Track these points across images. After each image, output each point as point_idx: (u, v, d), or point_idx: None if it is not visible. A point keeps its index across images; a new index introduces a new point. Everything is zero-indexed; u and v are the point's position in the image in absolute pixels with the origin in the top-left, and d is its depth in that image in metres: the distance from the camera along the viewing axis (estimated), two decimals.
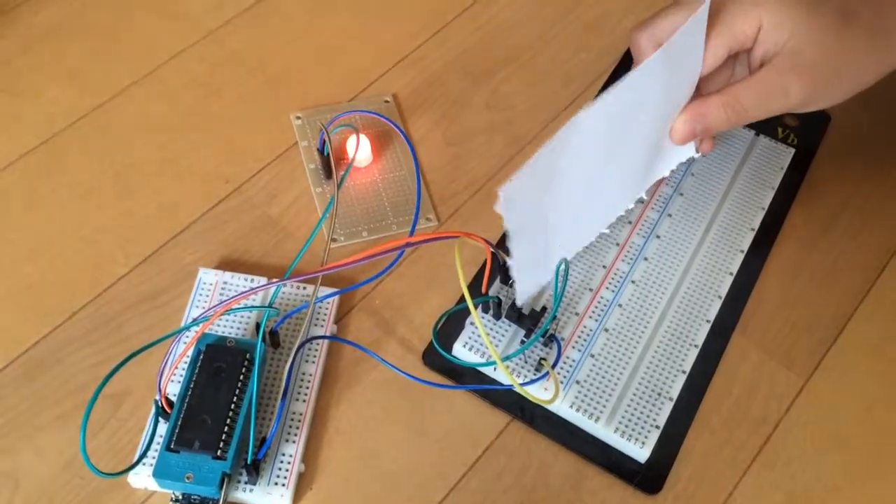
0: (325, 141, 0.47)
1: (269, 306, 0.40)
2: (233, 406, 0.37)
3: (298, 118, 0.51)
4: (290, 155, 0.50)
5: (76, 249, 0.46)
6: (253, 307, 0.42)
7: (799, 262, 0.48)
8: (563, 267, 0.39)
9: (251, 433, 0.37)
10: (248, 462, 0.37)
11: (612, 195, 0.44)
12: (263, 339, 0.39)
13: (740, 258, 0.47)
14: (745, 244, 0.47)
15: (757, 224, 0.48)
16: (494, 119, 0.53)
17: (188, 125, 0.51)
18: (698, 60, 0.39)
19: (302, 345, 0.41)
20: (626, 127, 0.39)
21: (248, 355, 0.38)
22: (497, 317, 0.43)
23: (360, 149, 0.48)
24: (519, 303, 0.41)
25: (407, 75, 0.54)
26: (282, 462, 0.39)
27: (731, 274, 0.46)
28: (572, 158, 0.37)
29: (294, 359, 0.39)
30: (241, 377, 0.37)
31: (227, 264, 0.46)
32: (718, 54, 0.39)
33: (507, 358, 0.41)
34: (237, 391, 0.37)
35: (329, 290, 0.43)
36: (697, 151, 0.42)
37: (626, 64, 0.55)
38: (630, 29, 0.41)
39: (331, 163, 0.48)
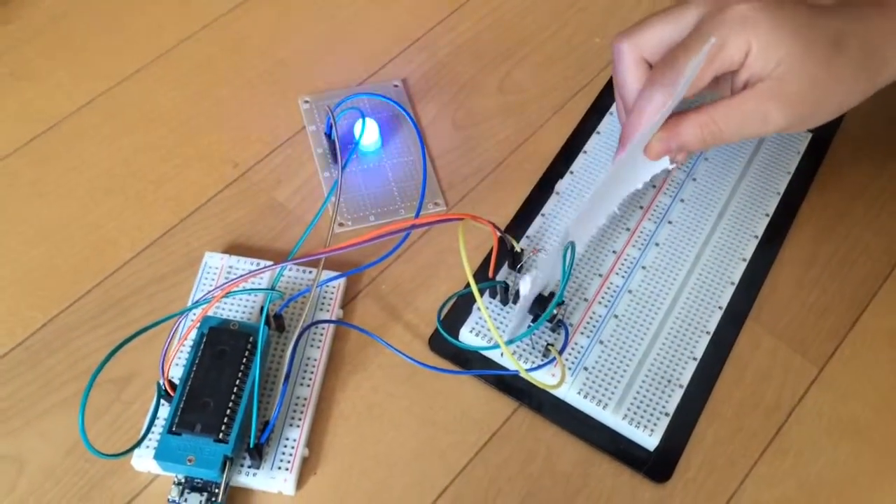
0: (331, 124, 0.47)
1: (272, 289, 0.39)
2: (235, 389, 0.36)
3: (306, 102, 0.51)
4: (297, 139, 0.50)
5: (83, 234, 0.46)
6: (257, 290, 0.41)
7: (815, 249, 0.47)
8: (569, 251, 0.38)
9: (254, 417, 0.36)
10: (251, 446, 0.36)
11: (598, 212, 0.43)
12: (267, 323, 0.39)
13: (754, 244, 0.46)
14: (760, 230, 0.46)
15: (772, 210, 0.47)
16: (505, 104, 0.52)
17: (195, 110, 0.51)
18: (685, 88, 0.38)
19: (305, 329, 0.40)
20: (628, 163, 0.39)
21: (251, 338, 0.38)
22: (504, 302, 0.43)
23: (367, 132, 0.48)
24: (526, 295, 0.41)
25: (416, 60, 0.54)
26: (285, 447, 0.38)
27: (744, 260, 0.45)
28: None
29: (296, 342, 0.38)
30: (245, 360, 0.37)
31: (234, 248, 0.46)
32: (705, 78, 0.38)
33: (511, 342, 0.40)
34: (240, 374, 0.37)
35: (334, 274, 0.42)
36: (672, 163, 0.41)
37: None
38: (614, 36, 0.40)
39: (336, 146, 0.47)
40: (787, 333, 0.44)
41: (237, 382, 0.37)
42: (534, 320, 0.41)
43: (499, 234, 0.40)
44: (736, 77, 0.38)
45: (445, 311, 0.43)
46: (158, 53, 0.53)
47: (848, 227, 0.48)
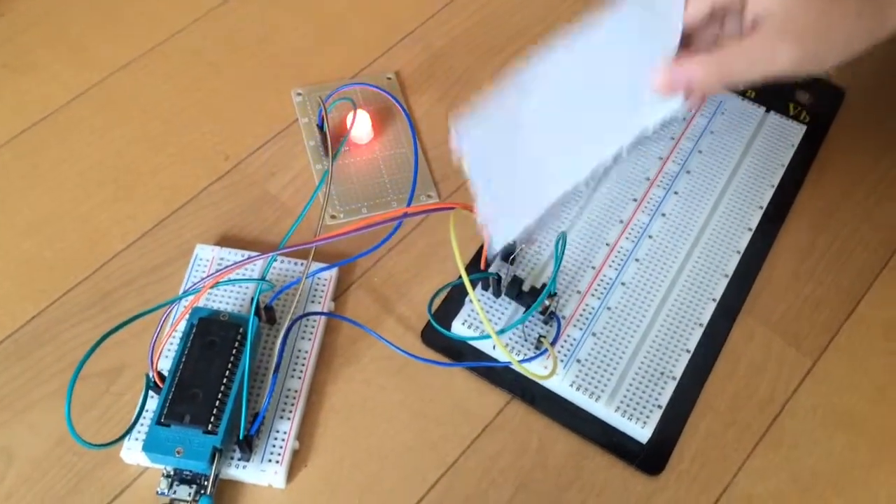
0: (323, 116, 0.46)
1: (263, 279, 0.39)
2: (225, 381, 0.36)
3: (299, 94, 0.51)
4: (290, 132, 0.50)
5: (74, 225, 0.45)
6: (246, 280, 0.41)
7: (809, 241, 0.47)
8: (560, 241, 0.38)
9: (244, 408, 0.36)
10: (241, 438, 0.36)
11: (587, 142, 0.41)
12: (258, 314, 0.39)
13: (748, 236, 0.46)
14: (754, 222, 0.46)
15: (766, 202, 0.47)
16: None
17: (188, 102, 0.50)
18: (679, 12, 0.37)
19: (296, 320, 0.40)
20: (599, 71, 0.37)
21: (241, 329, 0.37)
22: (497, 294, 0.42)
23: (359, 124, 0.48)
24: (491, 253, 0.39)
25: (410, 52, 0.53)
26: (276, 439, 0.38)
27: (738, 252, 0.45)
28: (540, 96, 0.35)
29: (287, 333, 0.38)
30: (234, 352, 0.37)
31: (226, 240, 0.45)
32: (700, 9, 0.38)
33: (503, 332, 0.40)
34: (230, 366, 0.37)
35: (325, 265, 0.42)
36: (685, 106, 0.40)
37: None
38: None
39: (328, 138, 0.47)
40: (781, 326, 0.44)
41: (227, 374, 0.36)
42: (525, 310, 0.41)
43: None
44: (743, 16, 0.38)
45: (437, 302, 0.42)
46: (151, 45, 0.53)
47: (843, 220, 0.47)
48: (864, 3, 0.37)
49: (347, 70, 0.52)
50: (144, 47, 0.52)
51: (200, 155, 0.48)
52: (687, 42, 0.39)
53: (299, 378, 0.40)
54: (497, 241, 0.39)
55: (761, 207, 0.47)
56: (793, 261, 0.46)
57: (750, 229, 0.46)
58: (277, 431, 0.38)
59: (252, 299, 0.39)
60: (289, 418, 0.38)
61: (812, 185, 0.49)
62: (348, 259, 0.43)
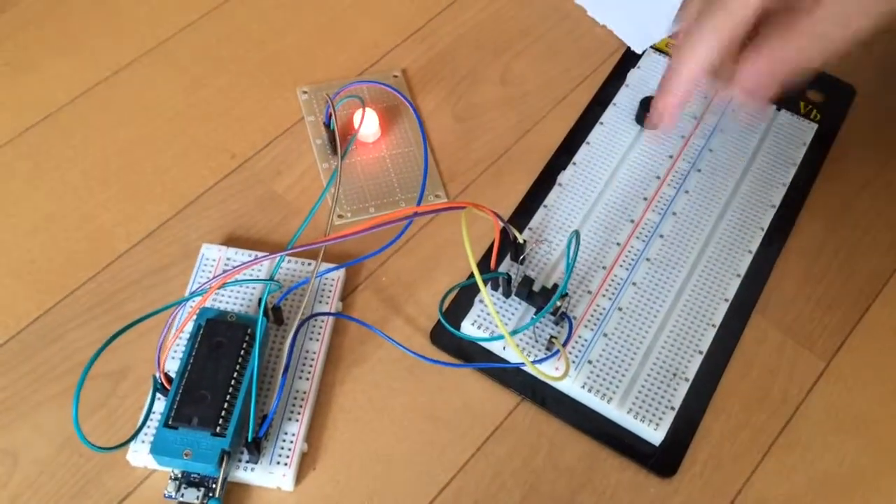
0: (331, 114, 0.46)
1: (271, 279, 0.38)
2: (233, 382, 0.36)
3: (305, 93, 0.50)
4: (296, 130, 0.49)
5: (78, 225, 0.45)
6: (254, 280, 0.41)
7: (822, 241, 0.46)
8: (574, 240, 0.37)
9: (252, 410, 0.36)
10: (249, 440, 0.36)
11: None
12: (265, 315, 0.38)
13: (760, 236, 0.45)
14: (766, 222, 0.46)
15: (778, 201, 0.47)
16: (506, 95, 0.51)
17: (193, 100, 0.50)
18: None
19: (304, 321, 0.40)
20: None
21: (249, 330, 0.37)
22: (507, 294, 0.42)
23: (367, 122, 0.47)
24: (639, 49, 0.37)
25: (417, 50, 0.53)
26: (284, 441, 0.37)
27: (750, 252, 0.45)
28: None
29: (295, 334, 0.38)
30: (242, 353, 0.36)
31: (232, 241, 0.45)
32: (755, 6, 0.34)
33: (514, 332, 0.40)
34: (238, 367, 0.36)
35: (333, 265, 0.42)
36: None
37: (625, 62, 0.53)
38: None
39: (336, 136, 0.46)
40: (794, 327, 0.43)
41: (235, 375, 0.36)
42: (536, 312, 0.41)
43: (501, 224, 0.39)
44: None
45: (447, 303, 0.42)
46: (155, 43, 0.52)
47: (855, 219, 0.47)
48: None
49: (353, 68, 0.52)
50: (148, 45, 0.52)
51: (206, 154, 0.48)
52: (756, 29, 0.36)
53: (307, 379, 0.39)
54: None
55: (773, 206, 0.46)
56: (805, 261, 0.46)
57: (762, 229, 0.45)
58: (286, 434, 0.38)
59: (259, 300, 0.39)
60: (297, 420, 0.38)
61: (823, 184, 0.48)
62: (357, 259, 0.43)
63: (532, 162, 0.49)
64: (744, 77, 0.36)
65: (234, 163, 0.48)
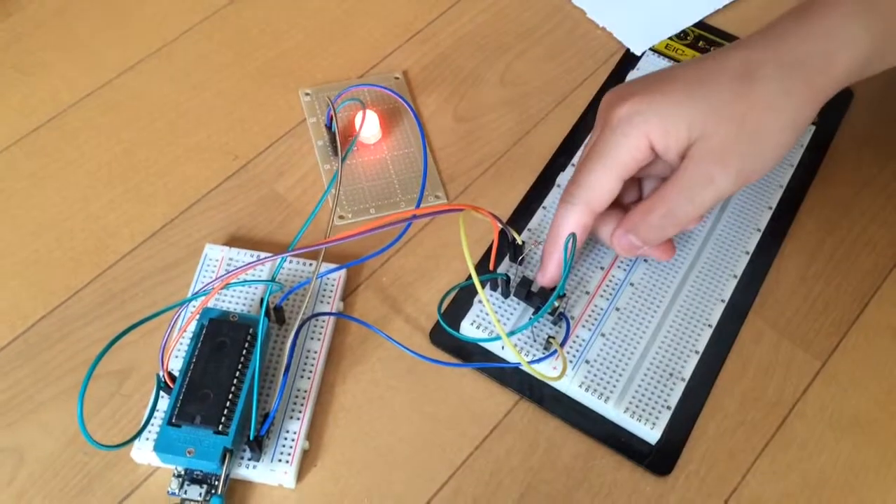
0: (332, 116, 0.46)
1: (273, 280, 0.39)
2: (235, 381, 0.36)
3: (307, 94, 0.51)
4: (298, 132, 0.50)
5: (82, 226, 0.46)
6: (257, 281, 0.41)
7: (818, 242, 0.47)
8: (570, 242, 0.38)
9: (254, 409, 0.36)
10: (251, 438, 0.36)
11: None
12: (267, 314, 0.39)
13: (757, 237, 0.46)
14: (763, 223, 0.46)
15: (775, 203, 0.47)
16: (507, 96, 0.52)
17: (196, 102, 0.50)
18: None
19: (305, 321, 0.40)
20: None
21: (251, 330, 0.37)
22: (505, 295, 0.42)
23: (367, 124, 0.48)
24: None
25: (418, 52, 0.53)
26: (286, 439, 0.38)
27: (747, 253, 0.45)
28: None
29: (297, 334, 0.38)
30: (244, 352, 0.37)
31: (234, 241, 0.45)
32: (611, 188, 0.38)
33: (512, 333, 0.40)
34: (240, 366, 0.37)
35: (334, 266, 0.42)
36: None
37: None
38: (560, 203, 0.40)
39: (337, 138, 0.47)
40: (790, 328, 0.44)
41: (237, 374, 0.36)
42: (535, 312, 0.41)
43: (500, 225, 0.39)
44: (667, 164, 0.38)
45: (446, 303, 0.42)
46: (159, 46, 0.53)
47: (852, 220, 0.47)
48: (788, 85, 0.36)
49: (354, 70, 0.52)
50: (152, 48, 0.52)
51: (209, 155, 0.49)
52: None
53: (308, 378, 0.40)
54: None
55: (770, 208, 0.47)
56: (801, 262, 0.46)
57: (759, 230, 0.46)
58: (287, 432, 0.38)
59: (261, 300, 0.39)
60: (298, 418, 0.39)
61: (821, 185, 0.48)
62: (358, 260, 0.43)
63: (532, 163, 0.49)
64: (616, 245, 0.40)
65: (236, 164, 0.48)
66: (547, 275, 0.40)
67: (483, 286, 0.37)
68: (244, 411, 0.36)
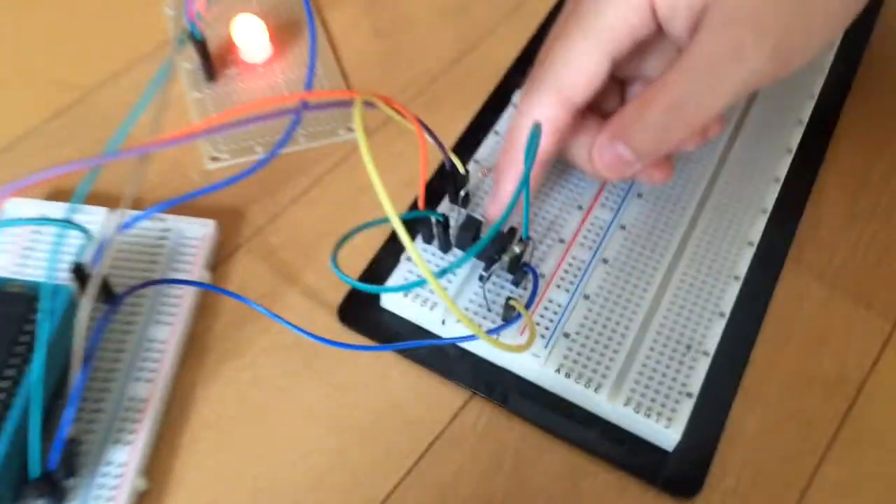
0: (195, 21, 0.33)
1: (70, 224, 0.26)
2: (2, 385, 0.23)
3: (171, 10, 0.38)
4: (159, 55, 0.37)
5: None
6: (41, 221, 0.28)
7: (865, 168, 0.35)
8: (533, 138, 0.24)
9: (37, 430, 0.23)
10: (37, 476, 0.22)
11: None
12: (80, 281, 0.25)
13: (788, 160, 0.34)
14: (794, 142, 0.34)
15: (806, 117, 0.35)
16: (442, 4, 0.40)
17: (21, 18, 0.37)
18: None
19: (134, 288, 0.27)
20: None
21: (35, 305, 0.24)
22: (445, 248, 0.30)
23: (249, 32, 0.35)
24: None
25: None
26: (107, 475, 0.25)
27: (777, 181, 0.33)
28: None
29: (112, 308, 0.25)
30: (21, 337, 0.23)
31: (62, 194, 0.32)
32: (596, 71, 0.26)
33: (443, 273, 0.27)
34: (12, 359, 0.23)
35: (159, 205, 0.29)
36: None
37: None
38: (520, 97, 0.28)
39: (207, 50, 0.34)
40: (842, 279, 0.32)
41: (8, 373, 0.23)
42: (487, 269, 0.28)
43: (428, 137, 0.27)
44: (668, 50, 0.27)
45: (362, 261, 0.30)
46: None
47: None
48: None
49: None
50: None
51: (32, 83, 0.36)
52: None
53: (148, 381, 0.26)
54: None
55: (801, 122, 0.35)
56: (846, 191, 0.34)
57: (790, 150, 0.34)
58: (110, 464, 0.25)
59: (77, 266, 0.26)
60: (128, 443, 0.25)
61: (858, 95, 0.37)
62: (185, 197, 0.29)
63: (476, 87, 0.37)
64: (598, 160, 0.28)
65: (71, 95, 0.35)
66: (501, 199, 0.28)
67: (413, 236, 0.25)
68: (17, 434, 0.22)
